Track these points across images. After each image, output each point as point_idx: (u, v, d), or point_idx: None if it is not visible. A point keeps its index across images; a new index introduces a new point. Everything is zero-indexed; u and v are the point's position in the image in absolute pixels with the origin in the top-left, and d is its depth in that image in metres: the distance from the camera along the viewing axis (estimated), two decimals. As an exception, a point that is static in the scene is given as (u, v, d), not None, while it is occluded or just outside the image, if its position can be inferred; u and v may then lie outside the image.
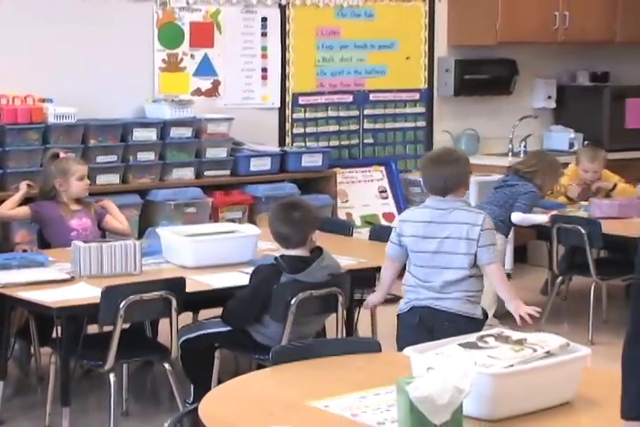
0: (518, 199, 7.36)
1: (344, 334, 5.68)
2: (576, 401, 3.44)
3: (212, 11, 8.35)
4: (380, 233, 7.08)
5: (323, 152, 8.56)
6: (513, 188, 7.44)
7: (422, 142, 9.52)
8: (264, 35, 8.64)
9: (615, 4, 9.87)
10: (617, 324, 7.08)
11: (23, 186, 6.48)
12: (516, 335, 3.51)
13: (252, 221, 7.68)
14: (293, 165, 8.32)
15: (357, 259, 6.02)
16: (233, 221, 7.49)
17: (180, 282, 5.33)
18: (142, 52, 8.08)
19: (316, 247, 5.40)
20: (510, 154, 9.51)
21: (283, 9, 8.68)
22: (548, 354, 3.39)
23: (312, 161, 8.40)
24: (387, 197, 9.10)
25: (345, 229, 7.12)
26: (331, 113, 9.02)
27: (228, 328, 5.45)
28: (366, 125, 9.21)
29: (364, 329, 6.62)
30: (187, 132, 7.91)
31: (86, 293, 5.26)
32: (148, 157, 7.74)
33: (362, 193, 9.01)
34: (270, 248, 5.82)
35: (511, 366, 3.30)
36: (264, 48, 8.65)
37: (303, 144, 8.85)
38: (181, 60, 8.26)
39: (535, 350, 3.38)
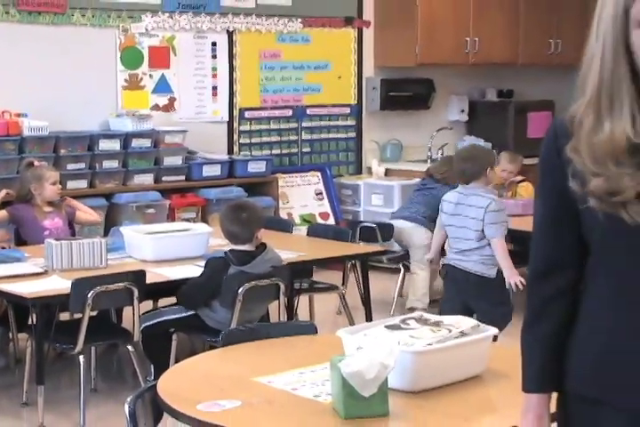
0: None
1: (285, 319, 5.69)
2: (486, 374, 3.46)
3: (168, 36, 8.31)
4: (316, 230, 7.12)
5: (266, 160, 8.54)
6: (433, 190, 7.48)
7: (353, 151, 9.53)
8: (214, 57, 8.61)
9: (517, 31, 9.93)
10: (522, 307, 7.09)
11: (2, 193, 6.42)
12: (434, 318, 3.52)
13: (204, 220, 7.67)
14: (240, 171, 8.29)
15: (297, 253, 6.03)
16: (188, 220, 7.45)
17: (141, 274, 5.34)
18: (107, 73, 8.02)
19: (261, 243, 5.43)
20: (429, 161, 9.52)
21: (230, 35, 8.66)
22: (462, 334, 3.40)
23: (257, 168, 8.38)
24: (322, 199, 9.10)
25: (286, 227, 7.13)
26: (273, 125, 9.00)
27: (183, 314, 5.47)
28: (304, 136, 9.20)
29: (303, 314, 6.62)
30: (146, 143, 7.86)
31: (58, 284, 5.25)
32: (112, 164, 7.69)
33: (300, 195, 9.00)
34: (220, 244, 5.80)
35: (430, 344, 3.31)
36: (214, 69, 8.62)
37: (249, 153, 8.82)
38: (141, 79, 8.21)
39: (450, 331, 3.40)
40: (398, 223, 7.53)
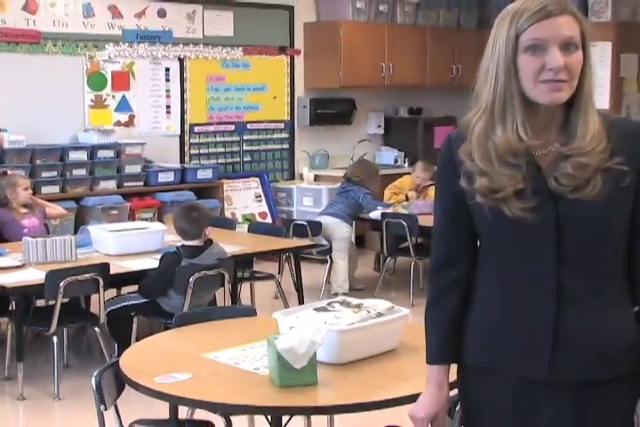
0: (365, 202, 7.52)
1: (229, 303, 5.68)
2: (400, 348, 3.47)
3: (128, 62, 8.26)
4: (256, 227, 7.13)
5: (213, 168, 8.51)
6: (352, 192, 7.57)
7: (287, 160, 9.53)
8: (167, 80, 8.57)
9: (425, 58, 9.99)
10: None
11: None
12: (355, 302, 3.53)
13: (160, 219, 7.62)
14: (191, 177, 8.26)
15: (239, 247, 6.04)
16: (146, 220, 7.43)
17: (106, 266, 5.33)
18: (75, 94, 7.95)
19: (208, 239, 5.42)
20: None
21: (181, 61, 8.62)
22: (379, 314, 3.41)
23: (205, 174, 8.36)
24: (261, 201, 9.09)
25: (230, 225, 7.13)
26: (218, 138, 8.97)
27: (143, 300, 5.45)
28: (245, 148, 9.18)
29: (245, 299, 6.62)
30: (110, 154, 7.80)
31: (34, 275, 5.23)
32: (80, 172, 7.62)
33: (242, 198, 8.98)
34: (173, 239, 5.79)
35: (352, 324, 3.32)
36: (167, 90, 8.57)
37: (198, 162, 8.78)
38: (105, 99, 8.14)
39: (369, 312, 3.41)
40: (324, 219, 7.57)
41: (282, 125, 9.45)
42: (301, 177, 9.48)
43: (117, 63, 8.20)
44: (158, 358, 3.48)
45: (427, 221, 7.24)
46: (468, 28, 10.45)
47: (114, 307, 5.49)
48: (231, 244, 5.93)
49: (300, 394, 3.02)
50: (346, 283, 7.51)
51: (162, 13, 8.40)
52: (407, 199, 7.92)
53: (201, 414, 3.73)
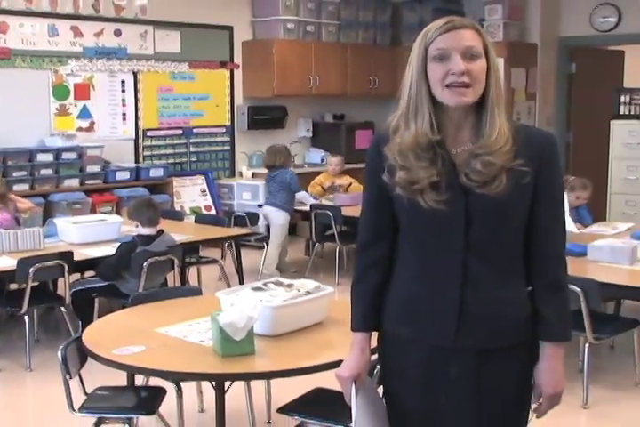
0: (293, 182, 7.46)
1: (179, 285, 5.66)
2: (326, 321, 3.51)
3: (89, 76, 8.14)
4: (201, 218, 7.13)
5: (163, 167, 8.42)
6: (278, 176, 7.50)
7: (228, 160, 9.46)
8: (123, 91, 8.46)
9: (346, 71, 9.98)
10: (353, 272, 7.17)
11: None
12: (287, 282, 3.55)
13: (118, 213, 7.51)
14: (144, 175, 8.17)
15: (187, 235, 6.00)
16: (105, 213, 7.31)
17: (70, 254, 5.28)
18: (42, 103, 7.82)
19: (160, 229, 5.37)
20: (284, 166, 9.53)
21: (135, 74, 8.52)
22: (308, 292, 3.43)
23: (157, 173, 8.27)
24: (206, 195, 9.04)
25: (179, 216, 7.11)
26: (168, 141, 8.89)
27: (103, 283, 5.39)
28: (191, 149, 9.10)
29: (192, 281, 6.61)
30: (73, 156, 7.68)
31: (7, 263, 5.17)
32: (47, 172, 7.50)
33: (190, 193, 8.92)
34: (129, 230, 5.73)
35: (284, 301, 3.33)
36: (123, 100, 8.46)
37: (150, 162, 8.68)
38: (69, 108, 8.02)
39: (299, 291, 3.43)
40: (266, 208, 7.59)
41: (223, 130, 9.38)
42: (241, 174, 9.43)
43: (79, 76, 8.08)
44: (116, 334, 3.46)
45: (349, 211, 7.30)
46: (382, 46, 10.48)
47: (78, 289, 5.42)
48: (180, 233, 5.89)
49: (240, 362, 3.02)
50: (272, 266, 7.48)
51: (117, 33, 8.30)
52: (323, 189, 7.97)
53: (155, 381, 3.71)
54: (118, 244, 5.36)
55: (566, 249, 4.83)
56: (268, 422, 4.25)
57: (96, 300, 5.40)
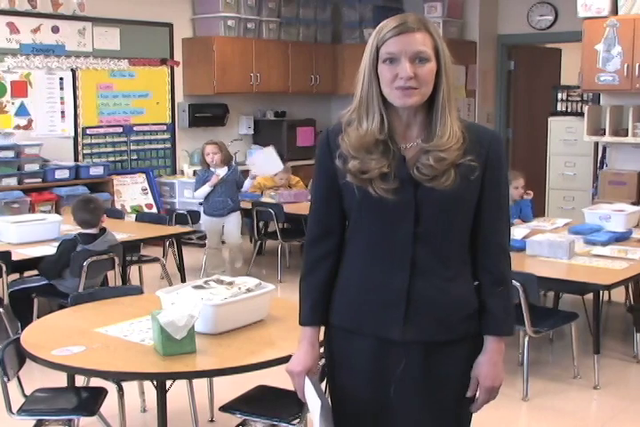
0: (240, 179, 7.32)
1: (120, 284, 5.59)
2: (268, 319, 3.50)
3: (26, 73, 8.01)
4: (142, 217, 7.06)
5: (104, 165, 8.32)
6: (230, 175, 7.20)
7: (169, 157, 9.40)
8: (62, 88, 8.34)
9: (287, 68, 9.97)
10: (296, 269, 7.20)
11: None
12: (228, 279, 3.53)
13: (57, 212, 7.43)
14: (84, 174, 8.06)
15: (128, 234, 5.94)
16: (44, 212, 7.23)
17: (8, 254, 5.20)
18: (-22, 101, 7.69)
19: (102, 227, 5.31)
20: (226, 164, 9.50)
21: (74, 72, 8.40)
22: (248, 290, 3.42)
23: (97, 171, 8.17)
24: (147, 193, 8.96)
25: (119, 215, 7.03)
26: (108, 139, 8.79)
27: (42, 283, 5.32)
28: (132, 147, 9.02)
29: (134, 280, 6.55)
30: (11, 154, 7.56)
31: (-58, 263, 5.03)
32: (-16, 171, 7.39)
33: (131, 191, 8.83)
34: (69, 229, 5.67)
35: (225, 299, 3.32)
36: (62, 97, 8.34)
37: (90, 160, 8.57)
38: (5, 105, 7.87)
39: (240, 288, 3.42)
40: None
41: (164, 127, 9.31)
42: (182, 172, 9.38)
43: (16, 73, 7.94)
44: (55, 334, 3.41)
45: (291, 208, 7.31)
46: (323, 43, 10.49)
47: (16, 288, 5.34)
48: (121, 232, 5.83)
49: (181, 361, 3.01)
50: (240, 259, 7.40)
51: (55, 29, 8.18)
52: (262, 194, 7.95)
53: (96, 382, 3.67)
54: (58, 243, 5.28)
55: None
56: (211, 421, 4.24)
57: (35, 300, 5.32)
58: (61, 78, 8.32)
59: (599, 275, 4.76)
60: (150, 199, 8.94)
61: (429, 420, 2.24)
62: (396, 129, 2.16)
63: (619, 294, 6.28)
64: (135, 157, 9.06)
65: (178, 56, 9.35)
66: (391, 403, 2.23)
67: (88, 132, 8.58)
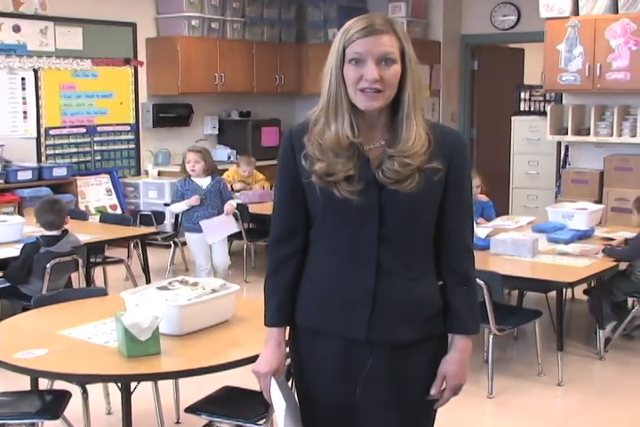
0: (225, 190, 6.67)
1: (84, 286, 5.55)
2: (233, 319, 3.49)
3: (-14, 73, 7.95)
4: (106, 218, 7.01)
5: (67, 166, 8.23)
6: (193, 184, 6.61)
7: (133, 158, 9.34)
8: (24, 89, 8.25)
9: (252, 68, 9.95)
10: (262, 269, 7.19)
11: None
12: (192, 280, 3.52)
13: (20, 213, 7.35)
14: (47, 175, 7.97)
15: (92, 235, 5.88)
16: (7, 214, 7.13)
17: (-30, 257, 5.09)
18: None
19: (65, 229, 5.26)
20: (191, 164, 9.48)
21: (36, 72, 8.31)
22: (213, 291, 3.41)
23: (60, 172, 8.09)
24: (111, 194, 8.90)
25: (83, 216, 6.98)
26: (72, 140, 8.71)
27: (4, 285, 5.26)
28: (96, 148, 8.94)
29: (99, 281, 6.51)
30: (-28, 155, 7.50)
31: None
32: (-55, 172, 7.29)
33: (95, 192, 8.76)
34: (32, 230, 5.61)
35: (190, 299, 3.30)
36: (24, 98, 8.25)
37: (54, 161, 8.49)
38: (-34, 106, 7.81)
39: (205, 289, 3.40)
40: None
41: (128, 128, 9.25)
42: (147, 173, 9.32)
43: (-24, 73, 7.87)
44: (18, 337, 3.38)
45: (256, 208, 7.30)
46: (288, 43, 10.49)
47: (-22, 292, 5.28)
48: (85, 233, 5.77)
49: (146, 363, 2.99)
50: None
51: (17, 29, 8.09)
52: (232, 189, 7.94)
53: (60, 385, 3.64)
54: (21, 245, 5.23)
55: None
56: (177, 423, 4.22)
57: (-2, 302, 5.27)
58: (23, 78, 8.24)
59: (562, 273, 4.81)
60: (114, 200, 8.88)
61: (395, 419, 2.25)
62: (360, 130, 2.15)
63: (582, 291, 6.33)
64: (99, 157, 8.99)
65: (141, 56, 9.29)
66: (357, 403, 2.24)
67: (51, 132, 8.51)
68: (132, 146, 9.31)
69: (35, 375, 3.41)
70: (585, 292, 6.01)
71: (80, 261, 5.29)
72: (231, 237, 7.07)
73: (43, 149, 8.45)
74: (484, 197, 6.48)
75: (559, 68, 7.73)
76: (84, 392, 3.47)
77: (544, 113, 8.75)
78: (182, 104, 9.54)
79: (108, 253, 6.78)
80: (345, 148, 2.11)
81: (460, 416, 4.22)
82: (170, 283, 3.47)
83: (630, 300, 5.60)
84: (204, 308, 3.34)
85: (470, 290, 2.27)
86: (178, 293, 3.34)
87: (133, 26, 9.17)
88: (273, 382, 2.26)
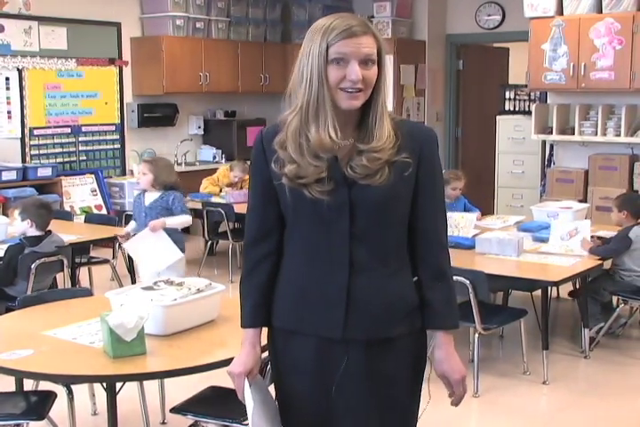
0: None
1: (69, 286, 5.54)
2: (218, 319, 3.50)
3: (-30, 73, 7.91)
4: (91, 218, 7.00)
5: (52, 166, 8.22)
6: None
7: (118, 158, 9.31)
8: (8, 89, 8.22)
9: (237, 68, 9.94)
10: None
11: None
12: (177, 280, 3.52)
13: (5, 214, 7.25)
14: (32, 175, 7.96)
15: (77, 235, 5.87)
16: (-9, 214, 7.13)
17: (-46, 257, 5.06)
18: None
19: (48, 230, 5.25)
20: (176, 164, 9.47)
21: (20, 71, 8.28)
22: (198, 291, 3.41)
23: (45, 172, 8.08)
24: (97, 195, 8.87)
25: (68, 216, 6.97)
26: (56, 140, 8.68)
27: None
28: (81, 148, 8.92)
29: (84, 282, 6.49)
30: (-44, 155, 7.47)
31: None
32: None
33: (80, 193, 8.74)
34: (15, 231, 5.58)
35: (175, 299, 3.30)
36: (8, 97, 8.23)
37: (38, 161, 8.47)
38: (-50, 106, 7.77)
39: (190, 289, 3.40)
40: None
41: (113, 128, 9.23)
42: (132, 173, 9.30)
43: (-40, 73, 7.84)
44: (3, 338, 3.38)
45: (242, 208, 7.29)
46: (273, 42, 10.49)
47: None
48: (70, 233, 5.77)
49: (131, 363, 2.98)
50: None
51: (0, 28, 8.06)
52: (220, 191, 7.92)
53: (45, 386, 3.63)
54: (5, 246, 5.21)
55: (455, 242, 4.95)
56: (163, 423, 4.22)
57: (-19, 303, 5.23)
58: (7, 78, 8.21)
59: (547, 272, 4.83)
60: (100, 200, 8.86)
61: (374, 418, 2.25)
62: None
63: (567, 291, 6.36)
64: (84, 157, 8.97)
65: (126, 56, 9.27)
66: (335, 402, 2.24)
67: (35, 132, 8.48)
68: (117, 146, 9.28)
69: (20, 376, 3.40)
70: (570, 294, 6.04)
71: (65, 262, 5.28)
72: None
73: (27, 150, 8.42)
74: (459, 193, 6.40)
75: (544, 68, 7.76)
76: (70, 393, 3.46)
77: (529, 112, 8.79)
78: (167, 104, 9.53)
79: (93, 253, 6.76)
80: (327, 149, 2.11)
81: (446, 415, 4.22)
82: (155, 283, 3.47)
83: (615, 299, 5.62)
84: (189, 308, 3.34)
85: (446, 285, 2.27)
86: (163, 293, 3.34)
87: (118, 25, 9.15)
88: (246, 382, 2.26)
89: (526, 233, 5.70)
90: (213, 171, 8.42)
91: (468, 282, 4.48)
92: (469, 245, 5.25)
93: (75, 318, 3.53)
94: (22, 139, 8.38)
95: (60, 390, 3.51)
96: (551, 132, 7.98)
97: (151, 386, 4.09)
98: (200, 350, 3.19)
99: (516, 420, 4.41)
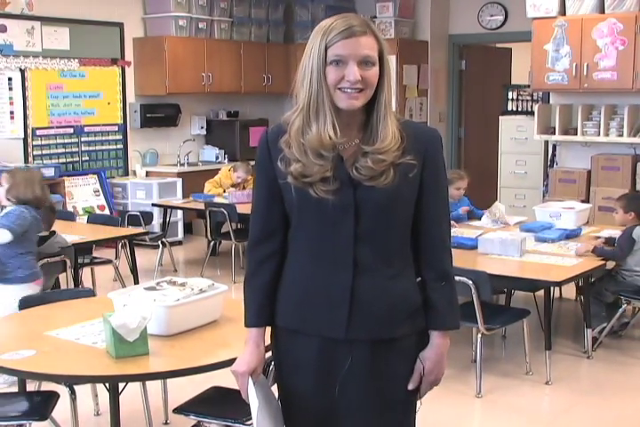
0: None
1: (72, 286, 5.54)
2: (221, 319, 3.49)
3: (-27, 73, 7.92)
4: (94, 218, 7.00)
5: (55, 167, 8.24)
6: None
7: (121, 158, 9.32)
8: (11, 89, 8.23)
9: (240, 68, 9.96)
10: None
11: None
12: (180, 281, 3.51)
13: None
14: (35, 175, 7.97)
15: (80, 236, 5.87)
16: (-6, 214, 7.12)
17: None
18: None
19: (52, 230, 5.25)
20: (179, 164, 9.48)
21: (23, 72, 8.29)
22: (201, 291, 3.41)
23: (48, 173, 8.04)
24: (99, 195, 8.88)
25: (71, 217, 6.96)
26: (59, 140, 8.69)
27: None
28: (83, 148, 8.93)
29: (87, 282, 6.50)
30: (-41, 156, 7.47)
31: None
32: None
33: (82, 193, 8.75)
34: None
35: (178, 300, 3.30)
36: (11, 98, 8.24)
37: (41, 161, 8.48)
38: (-48, 106, 7.78)
39: (192, 289, 3.40)
40: None
41: (116, 128, 9.23)
42: (134, 173, 9.32)
43: (-37, 74, 7.84)
44: (6, 338, 3.38)
45: (244, 208, 7.29)
46: (275, 43, 10.49)
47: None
48: (73, 234, 5.77)
49: (134, 363, 2.98)
50: None
51: (2, 28, 8.07)
52: (224, 192, 7.93)
53: (48, 386, 3.63)
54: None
55: (457, 242, 4.94)
56: (166, 423, 4.22)
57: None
58: (10, 78, 8.22)
59: (550, 272, 4.83)
60: (102, 201, 8.87)
61: (376, 417, 2.25)
62: (338, 129, 2.15)
63: (569, 291, 6.35)
64: (87, 158, 8.97)
65: (129, 56, 9.28)
66: (338, 402, 2.24)
67: (38, 133, 8.49)
68: (119, 146, 9.29)
69: (22, 377, 3.40)
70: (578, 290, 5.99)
71: (68, 262, 5.28)
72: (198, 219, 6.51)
73: (30, 150, 8.43)
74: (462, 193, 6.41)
75: (546, 68, 7.76)
76: (72, 393, 3.45)
77: (531, 113, 8.78)
78: (170, 104, 9.53)
79: (95, 253, 6.76)
80: (326, 149, 2.12)
81: (449, 415, 4.23)
82: (158, 283, 3.46)
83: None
84: (192, 308, 3.33)
85: (449, 286, 2.28)
86: (166, 293, 3.33)
87: (121, 26, 9.16)
88: (250, 381, 2.26)
89: (529, 233, 5.70)
90: (216, 171, 8.42)
91: (470, 282, 4.48)
92: (472, 245, 5.25)
93: (77, 319, 3.53)
94: (25, 139, 8.39)
95: (62, 390, 3.51)
96: (554, 133, 7.97)
97: (154, 386, 4.09)
98: (203, 350, 3.19)
99: (518, 420, 4.40)
